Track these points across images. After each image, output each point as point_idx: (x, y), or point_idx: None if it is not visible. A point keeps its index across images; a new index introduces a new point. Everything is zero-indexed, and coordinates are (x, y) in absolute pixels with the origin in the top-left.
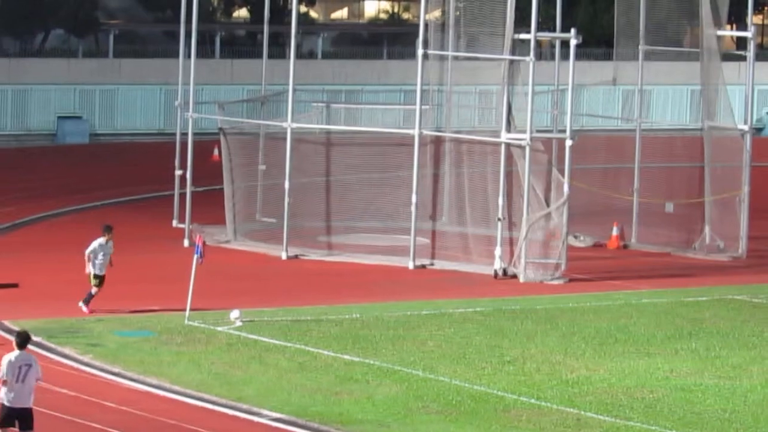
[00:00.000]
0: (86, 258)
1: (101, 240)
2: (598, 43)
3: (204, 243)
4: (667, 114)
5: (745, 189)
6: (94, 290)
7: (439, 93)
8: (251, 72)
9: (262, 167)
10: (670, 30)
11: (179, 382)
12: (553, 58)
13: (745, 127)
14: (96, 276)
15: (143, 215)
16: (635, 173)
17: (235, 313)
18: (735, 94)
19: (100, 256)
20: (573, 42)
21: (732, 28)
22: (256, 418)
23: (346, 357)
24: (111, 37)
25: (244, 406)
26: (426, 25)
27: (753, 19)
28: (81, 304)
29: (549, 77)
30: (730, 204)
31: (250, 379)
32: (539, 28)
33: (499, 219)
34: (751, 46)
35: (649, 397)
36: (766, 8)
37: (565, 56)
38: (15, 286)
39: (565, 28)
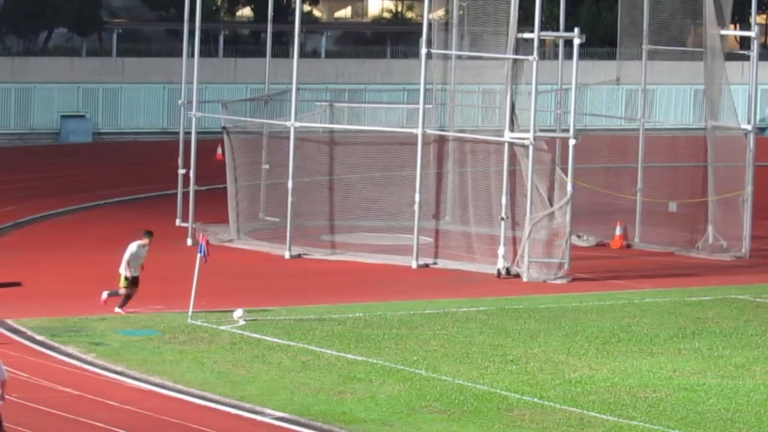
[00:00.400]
0: (125, 263)
1: (139, 242)
2: (602, 42)
3: (207, 242)
4: (671, 113)
5: (749, 189)
6: (122, 291)
7: (442, 92)
8: (254, 71)
9: (265, 166)
10: (674, 29)
11: (182, 381)
12: (556, 57)
13: (749, 127)
14: (126, 278)
15: (146, 214)
16: (638, 173)
17: (238, 313)
18: (738, 93)
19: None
20: (576, 41)
21: (735, 28)
22: (259, 417)
23: (349, 356)
24: (114, 36)
25: (247, 405)
26: (429, 25)
27: (756, 18)
28: (117, 309)
29: (552, 76)
30: (734, 204)
31: (253, 378)
32: (543, 28)
33: (502, 218)
34: (755, 46)
35: (652, 397)
36: None
37: (568, 55)
38: (18, 285)
39: (569, 28)
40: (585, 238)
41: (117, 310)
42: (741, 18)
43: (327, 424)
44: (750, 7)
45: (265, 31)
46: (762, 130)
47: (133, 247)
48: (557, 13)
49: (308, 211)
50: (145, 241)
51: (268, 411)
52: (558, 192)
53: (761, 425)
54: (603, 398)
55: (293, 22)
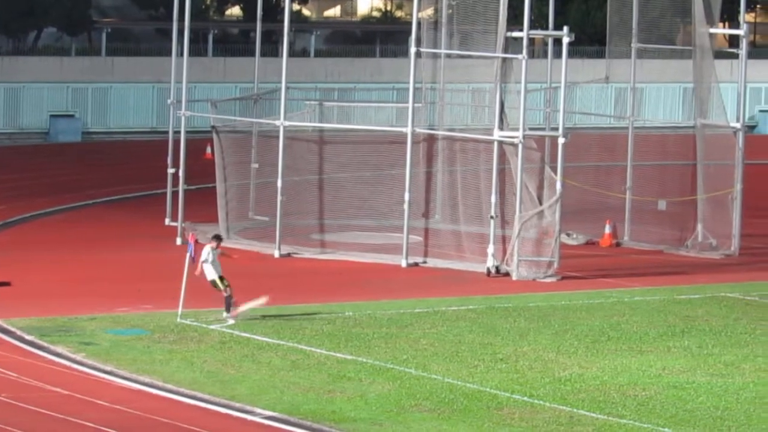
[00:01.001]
0: (200, 266)
1: (210, 246)
2: (591, 40)
3: (197, 241)
4: (660, 112)
5: (738, 187)
6: (227, 292)
7: (431, 91)
8: (244, 70)
9: (254, 165)
10: (663, 28)
11: (172, 380)
12: (545, 56)
13: (738, 125)
14: (216, 281)
15: (136, 213)
16: (628, 171)
17: (261, 300)
18: (727, 91)
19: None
20: (565, 40)
21: (724, 26)
22: (248, 417)
23: (339, 355)
24: (104, 36)
25: (237, 405)
26: (419, 23)
27: (745, 17)
28: (225, 314)
29: (542, 75)
30: (723, 202)
31: (243, 378)
32: (532, 26)
33: (491, 217)
34: (744, 44)
35: (642, 395)
36: (758, 6)
37: (557, 54)
38: (7, 284)
39: (558, 26)
40: (574, 236)
41: (225, 315)
42: (730, 16)
43: (317, 423)
44: (739, 5)
45: (255, 30)
46: (751, 128)
47: (207, 249)
48: (546, 11)
49: (298, 210)
50: (213, 244)
51: (258, 410)
52: (547, 190)
53: (750, 423)
54: (593, 396)
55: (282, 21)
